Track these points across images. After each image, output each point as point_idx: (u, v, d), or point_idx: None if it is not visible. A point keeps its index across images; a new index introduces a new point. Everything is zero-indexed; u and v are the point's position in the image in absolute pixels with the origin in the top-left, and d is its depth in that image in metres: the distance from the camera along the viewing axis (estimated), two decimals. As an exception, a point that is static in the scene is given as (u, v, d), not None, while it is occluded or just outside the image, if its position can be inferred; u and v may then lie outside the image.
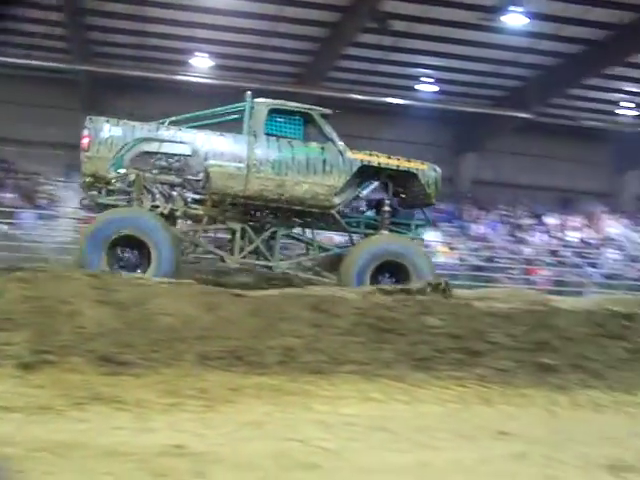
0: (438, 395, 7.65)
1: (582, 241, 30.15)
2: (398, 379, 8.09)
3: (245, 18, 24.94)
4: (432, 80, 29.96)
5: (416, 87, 30.68)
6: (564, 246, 29.62)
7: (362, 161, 12.33)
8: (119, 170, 11.81)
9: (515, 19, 24.09)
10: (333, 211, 12.38)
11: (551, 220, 32.35)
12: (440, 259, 25.10)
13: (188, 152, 11.92)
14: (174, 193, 12.06)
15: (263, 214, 12.78)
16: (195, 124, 12.41)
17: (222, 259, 12.37)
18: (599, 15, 24.30)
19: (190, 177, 12.04)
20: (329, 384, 7.70)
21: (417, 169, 12.60)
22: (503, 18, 24.16)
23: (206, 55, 28.66)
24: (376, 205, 13.13)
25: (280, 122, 12.29)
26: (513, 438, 5.98)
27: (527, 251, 28.81)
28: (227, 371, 7.65)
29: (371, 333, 8.77)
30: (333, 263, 12.70)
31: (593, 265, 27.66)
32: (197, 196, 12.16)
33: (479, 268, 25.73)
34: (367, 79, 29.95)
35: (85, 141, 11.70)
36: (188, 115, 12.54)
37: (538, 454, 5.50)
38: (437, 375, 8.37)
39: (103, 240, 11.03)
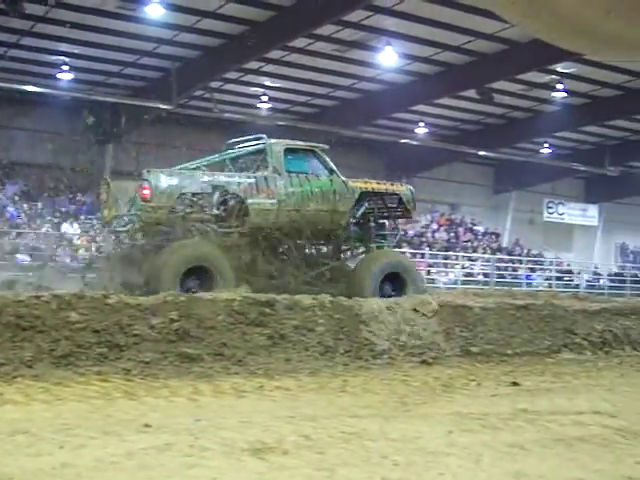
0: (81, 392, 7.53)
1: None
2: (39, 378, 7.88)
3: None
4: (68, 68, 29.03)
5: (58, 75, 29.62)
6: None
7: (361, 188, 14.53)
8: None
9: (155, 10, 24.09)
10: (339, 231, 14.50)
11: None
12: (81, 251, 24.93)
13: (210, 190, 13.20)
14: (208, 229, 13.17)
15: (280, 238, 13.95)
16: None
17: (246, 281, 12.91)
18: (235, 10, 24.87)
19: (217, 213, 13.28)
20: (-38, 390, 7.31)
21: (399, 191, 15.14)
22: (144, 8, 24.09)
23: None
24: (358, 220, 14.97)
25: (292, 159, 14.09)
26: (158, 430, 5.98)
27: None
28: None
29: (8, 332, 8.45)
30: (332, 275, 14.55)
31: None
32: (226, 230, 13.36)
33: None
34: (1, 64, 28.43)
35: (146, 192, 12.60)
36: (217, 158, 14.56)
37: (183, 444, 5.54)
38: (80, 371, 8.27)
39: (178, 268, 12.16)
